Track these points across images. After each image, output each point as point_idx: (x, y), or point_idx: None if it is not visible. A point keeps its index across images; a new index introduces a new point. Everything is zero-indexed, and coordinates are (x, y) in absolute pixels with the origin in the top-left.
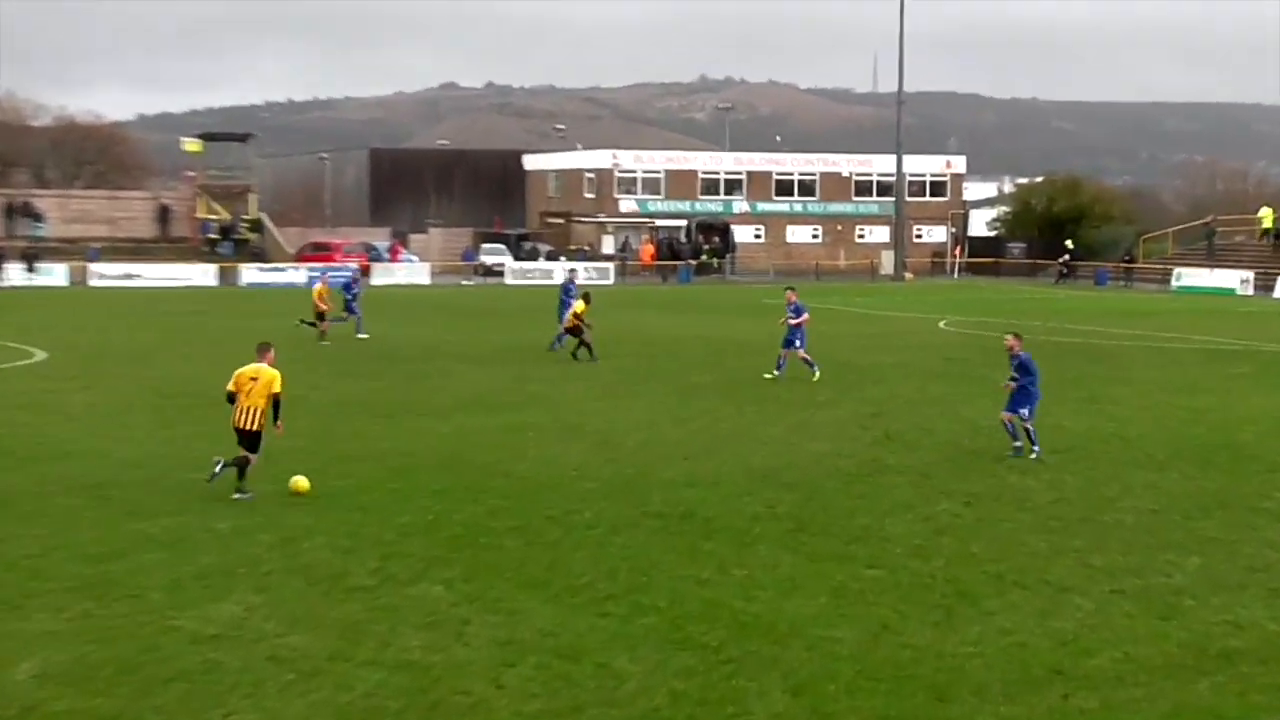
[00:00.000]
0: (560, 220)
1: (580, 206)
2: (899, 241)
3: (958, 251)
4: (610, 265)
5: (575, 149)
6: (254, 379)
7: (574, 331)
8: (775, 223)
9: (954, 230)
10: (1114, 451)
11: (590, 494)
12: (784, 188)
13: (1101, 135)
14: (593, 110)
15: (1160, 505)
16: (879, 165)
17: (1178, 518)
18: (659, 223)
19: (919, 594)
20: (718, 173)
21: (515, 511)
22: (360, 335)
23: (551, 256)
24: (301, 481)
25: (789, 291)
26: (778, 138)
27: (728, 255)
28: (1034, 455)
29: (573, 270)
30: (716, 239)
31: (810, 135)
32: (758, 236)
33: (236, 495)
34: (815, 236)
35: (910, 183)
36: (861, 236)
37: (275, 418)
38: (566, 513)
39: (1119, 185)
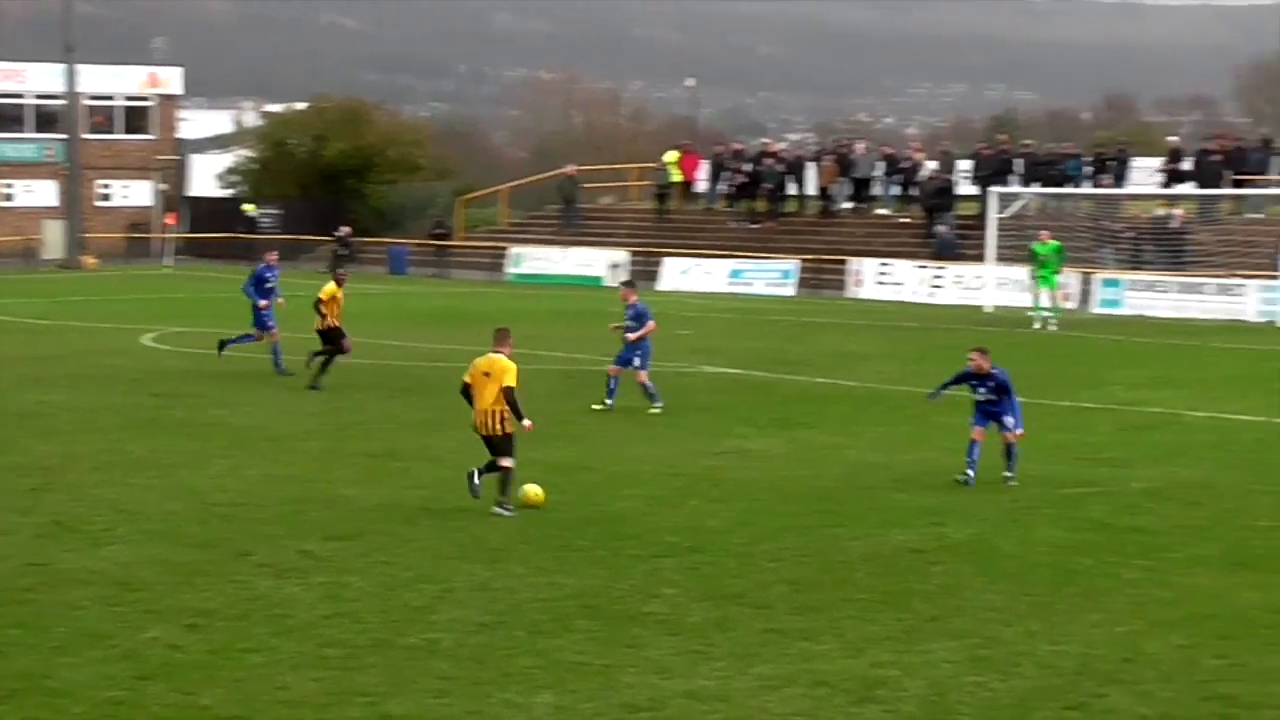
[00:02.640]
0: None
1: None
2: (74, 206)
3: (170, 221)
4: None
5: None
6: (487, 373)
7: (331, 334)
8: None
9: (165, 188)
10: (419, 534)
11: None
12: None
13: (400, 38)
14: None
15: (495, 616)
16: (37, 80)
17: (521, 634)
18: None
19: None
20: None
21: None
22: None
23: None
24: (535, 493)
25: (626, 289)
26: None
27: None
28: (1010, 479)
29: (272, 251)
30: None
31: None
32: None
33: (497, 510)
34: None
35: (92, 109)
36: (9, 197)
37: (518, 415)
38: None
39: (427, 116)
